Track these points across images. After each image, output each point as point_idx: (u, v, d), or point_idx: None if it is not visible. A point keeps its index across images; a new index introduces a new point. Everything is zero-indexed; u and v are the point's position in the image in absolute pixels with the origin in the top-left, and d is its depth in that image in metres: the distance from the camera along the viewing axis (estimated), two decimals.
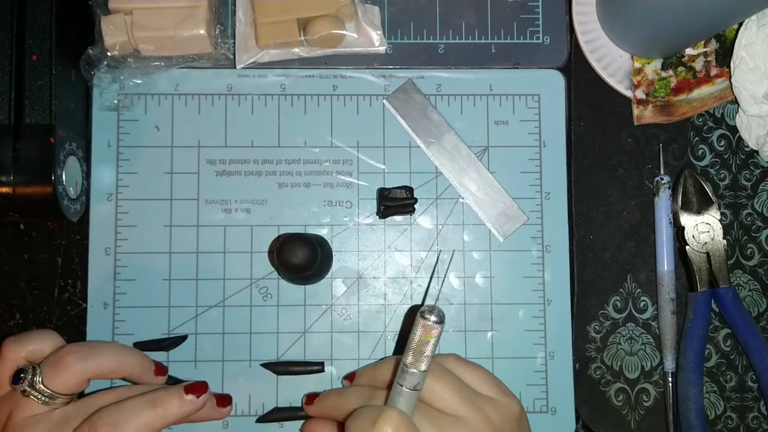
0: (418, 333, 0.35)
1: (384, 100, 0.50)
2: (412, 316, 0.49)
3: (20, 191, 0.42)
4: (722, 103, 0.50)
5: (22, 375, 0.37)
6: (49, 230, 0.49)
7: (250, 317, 0.49)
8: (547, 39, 0.51)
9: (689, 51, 0.50)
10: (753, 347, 0.48)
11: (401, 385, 0.35)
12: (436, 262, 0.46)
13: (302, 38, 0.49)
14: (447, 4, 0.51)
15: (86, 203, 0.49)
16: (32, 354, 0.39)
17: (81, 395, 0.40)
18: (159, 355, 0.48)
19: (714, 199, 0.49)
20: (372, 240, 0.50)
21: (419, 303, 0.50)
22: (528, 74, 0.51)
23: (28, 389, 0.37)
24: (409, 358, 0.35)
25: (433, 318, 0.35)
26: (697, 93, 0.50)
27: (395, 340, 0.49)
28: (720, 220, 0.49)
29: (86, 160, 0.49)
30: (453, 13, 0.51)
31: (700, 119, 0.51)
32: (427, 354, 0.35)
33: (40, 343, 0.39)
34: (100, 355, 0.39)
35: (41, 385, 0.37)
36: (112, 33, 0.47)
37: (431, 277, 0.49)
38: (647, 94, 0.50)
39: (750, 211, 0.51)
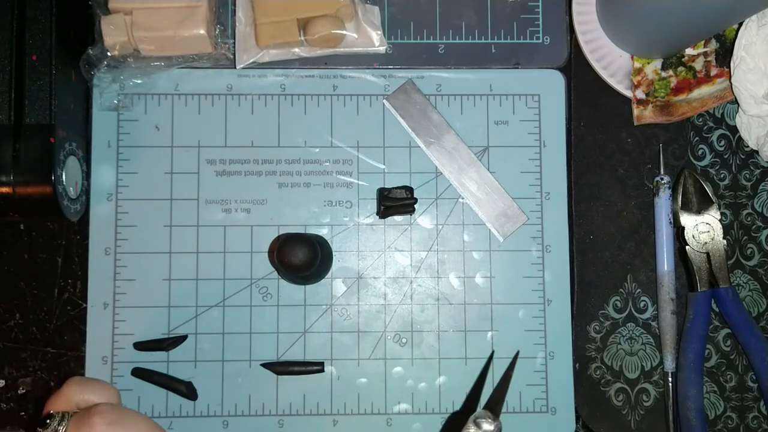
0: None
1: (384, 100, 0.50)
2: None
3: (20, 191, 0.42)
4: (722, 103, 0.50)
5: (48, 421, 0.35)
6: (49, 230, 0.49)
7: (250, 317, 0.49)
8: (547, 39, 0.51)
9: (689, 51, 0.50)
10: (753, 347, 0.48)
11: None
12: (512, 364, 0.39)
13: (302, 38, 0.49)
14: (447, 4, 0.51)
15: (86, 203, 0.49)
16: (86, 403, 0.37)
17: None
18: (159, 355, 0.48)
19: (714, 199, 0.49)
20: (372, 240, 0.50)
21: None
22: (528, 74, 0.51)
23: None
24: None
25: (487, 427, 0.31)
26: (697, 93, 0.50)
27: (395, 341, 0.49)
28: (720, 220, 0.49)
29: (86, 160, 0.49)
30: (453, 13, 0.51)
31: (700, 119, 0.51)
32: None
33: (98, 396, 0.37)
34: (129, 426, 0.36)
35: None
36: (112, 33, 0.47)
37: (483, 376, 0.46)
38: (647, 94, 0.50)
39: (750, 211, 0.51)
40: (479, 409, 0.32)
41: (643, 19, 0.46)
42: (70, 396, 0.37)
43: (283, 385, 0.48)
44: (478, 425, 0.31)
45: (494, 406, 0.33)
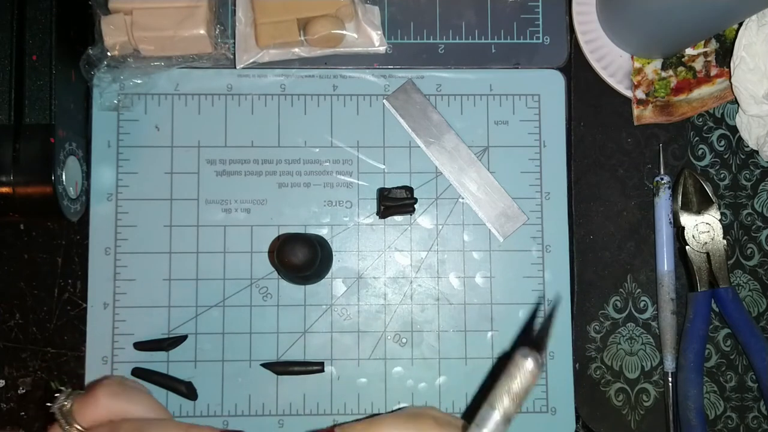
0: (519, 374, 0.32)
1: (384, 100, 0.50)
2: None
3: (20, 191, 0.42)
4: (722, 103, 0.50)
5: (56, 395, 0.36)
6: (49, 230, 0.49)
7: (250, 317, 0.49)
8: (547, 39, 0.51)
9: (689, 51, 0.50)
10: (753, 347, 0.48)
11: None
12: (552, 309, 0.45)
13: (302, 38, 0.49)
14: (447, 4, 0.51)
15: (86, 203, 0.49)
16: (123, 414, 0.37)
17: None
18: (159, 355, 0.48)
19: (714, 199, 0.49)
20: (372, 240, 0.50)
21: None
22: (528, 74, 0.51)
23: (57, 412, 0.36)
24: (506, 402, 0.32)
25: (535, 357, 0.32)
26: (697, 93, 0.50)
27: (395, 341, 0.49)
28: (720, 220, 0.49)
29: (86, 160, 0.49)
30: (453, 13, 0.51)
31: (700, 119, 0.51)
32: (520, 397, 0.32)
33: (137, 406, 0.37)
34: (132, 399, 0.37)
35: (67, 410, 0.36)
36: (112, 33, 0.47)
37: (533, 316, 0.48)
38: (647, 94, 0.50)
39: (750, 211, 0.51)
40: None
41: (643, 19, 0.46)
42: (107, 407, 0.37)
43: (283, 385, 0.48)
44: (524, 357, 0.32)
45: (540, 344, 0.34)
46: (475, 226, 0.50)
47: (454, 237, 0.50)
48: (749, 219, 0.50)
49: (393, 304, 0.49)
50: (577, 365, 0.49)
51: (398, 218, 0.50)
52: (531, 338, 0.36)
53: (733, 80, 0.49)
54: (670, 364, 0.49)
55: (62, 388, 0.37)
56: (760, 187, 0.51)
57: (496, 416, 0.32)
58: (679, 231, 0.49)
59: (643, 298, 0.50)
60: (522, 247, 0.50)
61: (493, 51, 0.51)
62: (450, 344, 0.49)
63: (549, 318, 0.39)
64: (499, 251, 0.50)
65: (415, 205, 0.49)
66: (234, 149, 0.50)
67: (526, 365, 0.32)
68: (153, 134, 0.50)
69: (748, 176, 0.51)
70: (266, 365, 0.48)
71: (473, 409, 0.46)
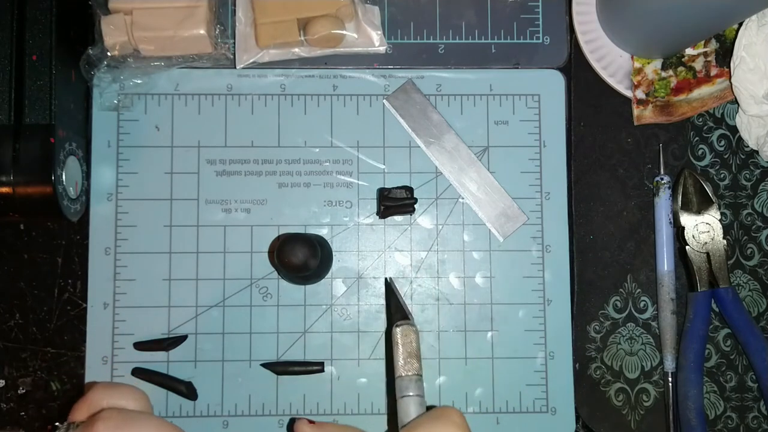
0: (399, 340, 0.36)
1: (384, 100, 0.50)
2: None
3: (20, 191, 0.42)
4: (722, 103, 0.50)
5: None
6: (49, 230, 0.49)
7: (250, 317, 0.49)
8: (547, 39, 0.51)
9: (689, 51, 0.50)
10: (753, 347, 0.48)
11: (410, 395, 0.36)
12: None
13: (302, 38, 0.49)
14: (447, 4, 0.51)
15: (86, 203, 0.49)
16: (113, 407, 0.35)
17: None
18: (159, 355, 0.48)
19: (714, 199, 0.49)
20: (372, 240, 0.50)
21: (418, 304, 0.50)
22: (528, 74, 0.51)
23: None
24: (402, 368, 0.36)
25: (404, 322, 0.37)
26: (697, 93, 0.50)
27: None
28: (720, 220, 0.49)
29: (86, 160, 0.49)
30: (453, 13, 0.51)
31: (700, 119, 0.51)
32: (417, 355, 0.36)
33: (126, 400, 0.36)
34: (135, 428, 0.34)
35: None
36: (112, 33, 0.47)
37: (389, 297, 0.49)
38: (647, 94, 0.50)
39: (750, 211, 0.51)
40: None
41: (643, 19, 0.46)
42: (96, 401, 0.36)
43: (283, 385, 0.48)
44: (399, 325, 0.38)
45: (402, 314, 0.40)
46: (475, 226, 0.50)
47: (454, 237, 0.50)
48: (749, 219, 0.51)
49: None
50: (577, 365, 0.49)
51: (398, 218, 0.50)
52: (393, 317, 0.41)
53: (733, 80, 0.49)
54: (670, 364, 0.49)
55: (57, 424, 0.34)
56: (760, 187, 0.51)
57: (412, 378, 0.36)
58: (679, 231, 0.50)
59: (643, 298, 0.50)
60: (522, 247, 0.50)
61: (493, 51, 0.51)
62: (450, 344, 0.49)
63: (392, 295, 0.44)
64: (499, 251, 0.50)
65: (415, 205, 0.49)
66: (234, 149, 0.50)
67: (402, 331, 0.37)
68: (153, 134, 0.50)
69: (748, 176, 0.51)
70: (266, 365, 0.48)
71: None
